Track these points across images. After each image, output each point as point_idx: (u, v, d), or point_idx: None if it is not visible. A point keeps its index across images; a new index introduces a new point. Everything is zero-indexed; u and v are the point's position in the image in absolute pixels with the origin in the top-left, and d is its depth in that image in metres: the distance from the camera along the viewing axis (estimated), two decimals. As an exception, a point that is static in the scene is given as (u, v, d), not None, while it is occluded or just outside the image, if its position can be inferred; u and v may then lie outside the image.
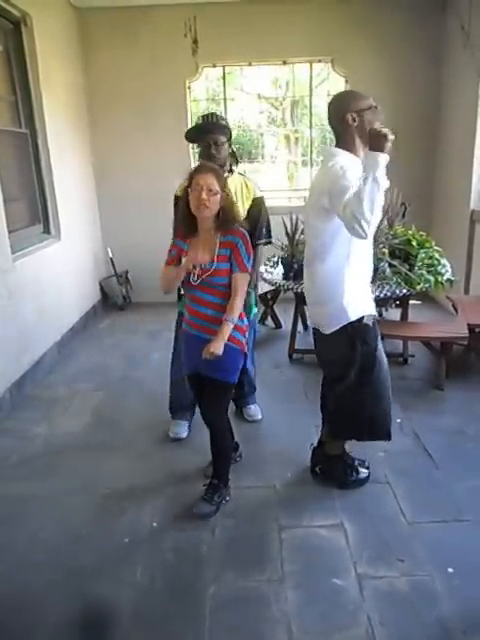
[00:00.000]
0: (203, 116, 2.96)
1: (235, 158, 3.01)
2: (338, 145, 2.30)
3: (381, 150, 1.99)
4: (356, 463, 2.74)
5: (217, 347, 2.29)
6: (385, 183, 2.00)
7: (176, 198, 2.96)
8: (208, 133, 2.81)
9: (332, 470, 2.72)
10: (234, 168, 2.98)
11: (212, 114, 2.94)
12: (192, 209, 2.31)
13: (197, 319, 2.43)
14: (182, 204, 2.38)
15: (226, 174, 2.81)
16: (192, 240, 2.41)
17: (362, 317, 2.33)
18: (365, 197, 1.95)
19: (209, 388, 2.49)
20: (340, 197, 2.07)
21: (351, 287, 2.31)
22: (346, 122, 2.22)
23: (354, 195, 1.99)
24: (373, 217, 1.98)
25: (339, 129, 2.29)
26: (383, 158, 1.99)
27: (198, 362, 2.46)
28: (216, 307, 2.38)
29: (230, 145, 2.92)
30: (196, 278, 2.35)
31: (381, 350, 2.45)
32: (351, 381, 2.42)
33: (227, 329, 2.33)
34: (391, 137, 2.01)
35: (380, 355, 2.44)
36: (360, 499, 2.60)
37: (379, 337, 2.44)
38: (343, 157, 2.23)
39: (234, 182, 2.87)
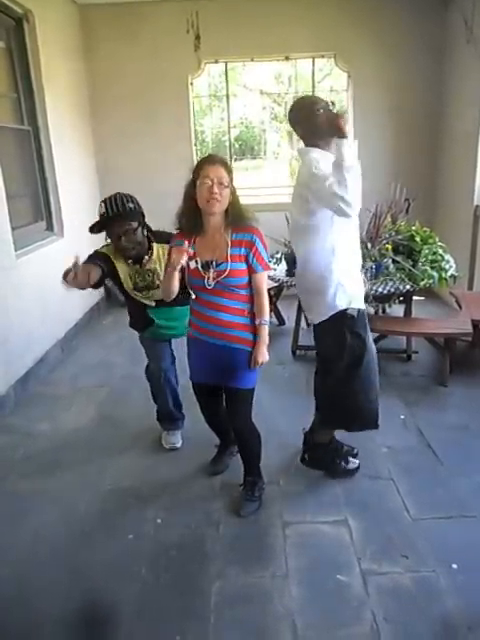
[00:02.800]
0: (105, 202, 2.57)
1: (151, 233, 2.72)
2: (307, 145, 2.41)
3: (339, 135, 2.12)
4: (345, 450, 2.78)
5: (264, 355, 2.30)
6: (349, 160, 2.09)
7: (98, 254, 2.72)
8: (115, 225, 2.54)
9: (319, 458, 2.77)
10: (152, 244, 2.71)
11: (115, 198, 2.55)
12: (201, 204, 2.15)
13: (211, 325, 2.29)
14: (187, 198, 2.21)
15: (147, 255, 2.68)
16: (198, 240, 2.25)
17: (346, 309, 2.38)
18: (337, 176, 2.11)
19: (231, 397, 2.44)
20: (318, 183, 2.20)
21: (337, 280, 2.36)
22: (312, 121, 2.34)
23: (330, 179, 2.15)
24: (348, 192, 2.09)
25: (305, 130, 2.41)
26: (344, 141, 2.12)
27: (210, 372, 2.40)
28: (232, 311, 2.26)
29: (143, 225, 2.65)
30: (211, 282, 2.19)
31: (370, 341, 2.50)
32: (341, 373, 2.47)
33: (265, 332, 2.30)
34: (343, 117, 2.15)
35: (370, 346, 2.48)
36: (364, 495, 2.60)
37: (368, 328, 2.48)
38: (315, 152, 2.35)
39: (157, 251, 2.70)
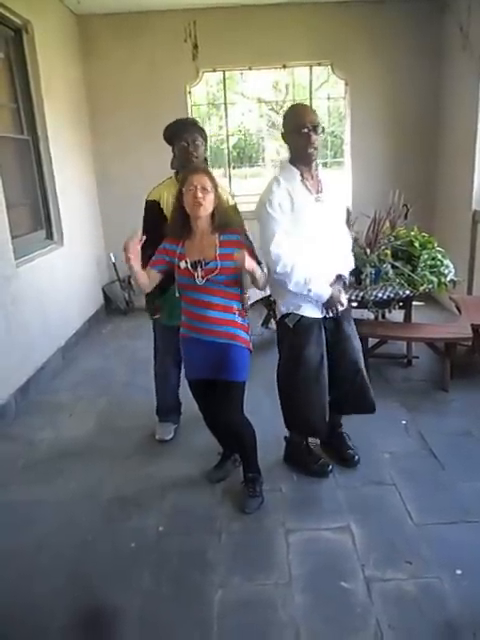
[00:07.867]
0: (180, 119, 2.99)
1: (206, 163, 2.95)
2: (291, 158, 2.50)
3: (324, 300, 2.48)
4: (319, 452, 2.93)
5: (250, 262, 2.29)
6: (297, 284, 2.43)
7: (149, 203, 2.95)
8: (186, 132, 2.80)
9: (290, 455, 2.90)
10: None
11: (190, 117, 2.94)
12: (187, 208, 2.33)
13: (201, 323, 2.41)
14: (176, 206, 2.40)
15: None
16: (187, 243, 2.41)
17: (286, 316, 2.55)
18: (287, 272, 2.40)
19: (222, 391, 2.48)
20: (264, 231, 2.42)
21: (280, 288, 2.52)
22: (293, 140, 2.43)
23: (274, 241, 2.38)
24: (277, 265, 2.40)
25: (287, 143, 2.50)
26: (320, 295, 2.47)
27: (203, 367, 2.46)
28: (221, 308, 2.39)
29: (205, 149, 2.90)
30: (201, 279, 2.33)
31: (311, 354, 2.55)
32: (280, 369, 2.70)
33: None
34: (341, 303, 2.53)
35: (306, 357, 2.55)
36: (366, 501, 2.60)
37: (312, 340, 2.54)
38: (281, 177, 2.46)
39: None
